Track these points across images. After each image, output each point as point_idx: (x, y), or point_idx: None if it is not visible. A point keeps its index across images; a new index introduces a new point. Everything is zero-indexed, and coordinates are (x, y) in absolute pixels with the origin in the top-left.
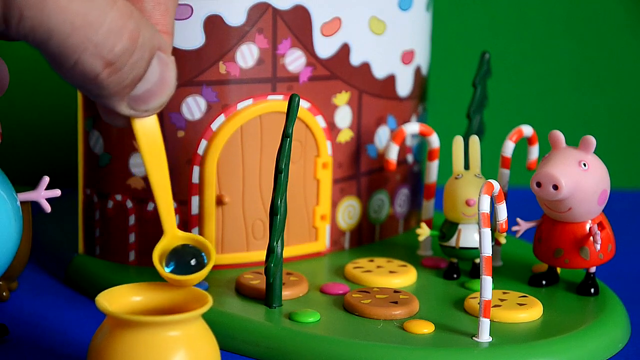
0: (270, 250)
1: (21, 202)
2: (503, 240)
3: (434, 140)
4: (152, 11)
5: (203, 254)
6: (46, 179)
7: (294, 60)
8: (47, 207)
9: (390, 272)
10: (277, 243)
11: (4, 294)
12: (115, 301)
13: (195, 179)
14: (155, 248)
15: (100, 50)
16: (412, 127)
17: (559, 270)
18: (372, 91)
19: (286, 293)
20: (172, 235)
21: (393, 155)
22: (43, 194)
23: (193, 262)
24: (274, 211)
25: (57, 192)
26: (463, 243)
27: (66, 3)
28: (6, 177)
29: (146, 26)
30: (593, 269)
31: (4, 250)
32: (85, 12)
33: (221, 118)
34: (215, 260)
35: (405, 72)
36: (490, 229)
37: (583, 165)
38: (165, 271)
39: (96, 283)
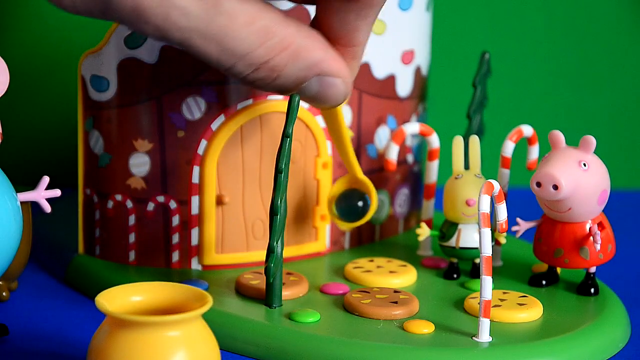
0: (270, 250)
1: (21, 202)
2: (503, 240)
3: (434, 140)
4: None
5: (367, 197)
6: (46, 179)
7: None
8: (47, 207)
9: (390, 272)
10: (277, 243)
11: (4, 294)
12: (115, 301)
13: (195, 179)
14: (332, 189)
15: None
16: (412, 127)
17: (559, 270)
18: (372, 91)
19: (286, 293)
20: (351, 177)
21: (393, 155)
22: (43, 194)
23: (360, 204)
24: (274, 211)
25: (57, 192)
26: (463, 243)
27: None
28: (6, 177)
29: (302, 52)
30: (593, 269)
31: (4, 250)
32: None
33: (221, 118)
34: (376, 205)
35: (405, 72)
36: (490, 229)
37: (583, 165)
38: (335, 215)
39: (96, 283)
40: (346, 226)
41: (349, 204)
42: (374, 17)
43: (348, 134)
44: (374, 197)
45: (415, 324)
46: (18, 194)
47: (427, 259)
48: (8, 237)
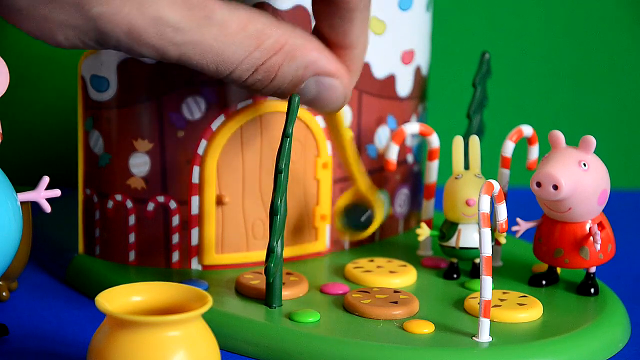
0: (270, 250)
1: (21, 202)
2: (503, 240)
3: (434, 140)
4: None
5: (370, 212)
6: (46, 179)
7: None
8: (47, 207)
9: (390, 272)
10: (277, 243)
11: (4, 294)
12: (115, 301)
13: (195, 179)
14: (338, 202)
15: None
16: (412, 127)
17: (559, 270)
18: (372, 91)
19: (286, 293)
20: (356, 190)
21: (393, 155)
22: (43, 194)
23: (363, 218)
24: (274, 211)
25: (57, 192)
26: (463, 243)
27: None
28: (6, 177)
29: (294, 57)
30: (593, 269)
31: (4, 251)
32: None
33: (221, 118)
34: (380, 219)
35: (405, 72)
36: (490, 229)
37: (583, 165)
38: (341, 227)
39: (96, 283)
40: (352, 236)
41: (353, 217)
42: (361, 20)
43: (352, 144)
44: (378, 212)
45: (415, 324)
46: (18, 194)
47: (427, 259)
48: (8, 237)
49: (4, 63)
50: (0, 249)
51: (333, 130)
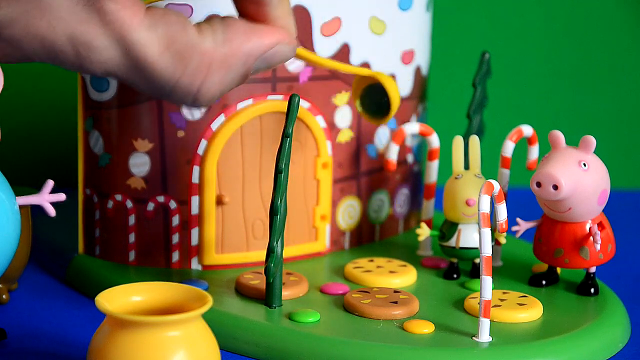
0: (270, 250)
1: (20, 205)
2: (503, 240)
3: (434, 140)
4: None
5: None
6: (50, 183)
7: (294, 60)
8: (52, 211)
9: (390, 272)
10: (277, 243)
11: (4, 296)
12: (115, 301)
13: (195, 179)
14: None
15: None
16: (412, 127)
17: (559, 270)
18: None
19: (286, 293)
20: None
21: (393, 155)
22: (47, 197)
23: (385, 99)
24: (274, 211)
25: (61, 197)
26: (463, 243)
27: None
28: (5, 178)
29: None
30: (593, 269)
31: (1, 253)
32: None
33: (221, 118)
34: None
35: (405, 72)
36: (490, 229)
37: (583, 165)
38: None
39: (96, 283)
40: (377, 122)
41: (373, 99)
42: None
43: (332, 62)
44: (393, 89)
45: (415, 324)
46: (22, 197)
47: (427, 259)
48: (5, 239)
49: None
50: None
51: (311, 63)
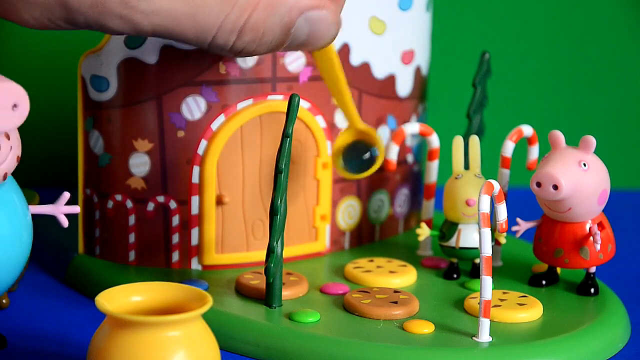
0: (270, 250)
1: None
2: (503, 240)
3: (434, 140)
4: None
5: (374, 148)
6: (66, 195)
7: (294, 60)
8: (65, 222)
9: (390, 272)
10: (277, 243)
11: (4, 301)
12: (115, 301)
13: (195, 179)
14: (334, 144)
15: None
16: (412, 127)
17: (559, 270)
18: (372, 91)
19: (286, 293)
20: (353, 129)
21: (393, 155)
22: (62, 209)
23: (366, 156)
24: (274, 211)
25: (76, 209)
26: (463, 243)
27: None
28: (18, 187)
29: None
30: (593, 269)
31: (16, 262)
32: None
33: (221, 118)
34: (383, 154)
35: (405, 72)
36: (490, 229)
37: (583, 165)
38: (341, 167)
39: (96, 283)
40: (353, 177)
41: (355, 156)
42: None
43: (345, 81)
44: (380, 147)
45: (415, 324)
46: (37, 206)
47: (427, 259)
48: (20, 249)
49: (25, 94)
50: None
51: (327, 70)
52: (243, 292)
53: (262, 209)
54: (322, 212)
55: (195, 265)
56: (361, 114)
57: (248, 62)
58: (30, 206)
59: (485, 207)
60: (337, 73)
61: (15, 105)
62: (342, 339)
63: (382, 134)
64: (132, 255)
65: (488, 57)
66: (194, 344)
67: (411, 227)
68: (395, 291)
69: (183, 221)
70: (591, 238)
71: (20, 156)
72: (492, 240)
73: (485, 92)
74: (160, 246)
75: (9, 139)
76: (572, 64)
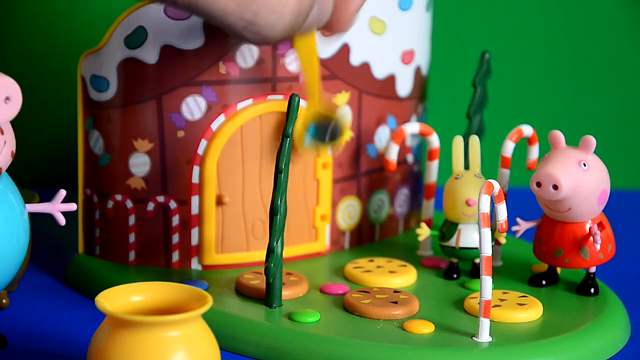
0: (270, 250)
1: (29, 212)
2: (503, 240)
3: (434, 140)
4: None
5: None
6: (63, 192)
7: (294, 60)
8: (62, 220)
9: (390, 272)
10: (277, 243)
11: (4, 301)
12: (115, 301)
13: (195, 179)
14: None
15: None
16: (412, 127)
17: (559, 270)
18: (372, 91)
19: (286, 293)
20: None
21: (393, 155)
22: (59, 207)
23: (330, 128)
24: (274, 211)
25: (73, 206)
26: (463, 243)
27: None
28: (15, 185)
29: None
30: (593, 269)
31: (13, 260)
32: None
33: (221, 118)
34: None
35: (405, 72)
36: (490, 229)
37: (583, 165)
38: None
39: (96, 283)
40: (322, 150)
41: (319, 130)
42: None
43: (318, 69)
44: (342, 123)
45: (415, 324)
46: (33, 204)
47: (427, 259)
48: (17, 247)
49: (18, 87)
50: (6, 264)
51: (304, 53)
52: (243, 292)
53: (262, 209)
54: (322, 212)
55: (195, 265)
56: (361, 113)
57: (248, 62)
58: (27, 205)
59: (485, 207)
60: (314, 59)
61: (7, 98)
62: (342, 339)
63: (382, 134)
64: (132, 255)
65: (488, 57)
66: (194, 344)
67: (411, 227)
68: (395, 291)
69: (183, 221)
70: (591, 238)
71: (14, 152)
72: (492, 240)
73: (485, 92)
74: (160, 246)
75: (2, 133)
76: (572, 64)
